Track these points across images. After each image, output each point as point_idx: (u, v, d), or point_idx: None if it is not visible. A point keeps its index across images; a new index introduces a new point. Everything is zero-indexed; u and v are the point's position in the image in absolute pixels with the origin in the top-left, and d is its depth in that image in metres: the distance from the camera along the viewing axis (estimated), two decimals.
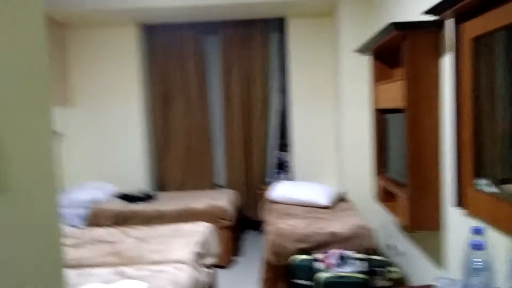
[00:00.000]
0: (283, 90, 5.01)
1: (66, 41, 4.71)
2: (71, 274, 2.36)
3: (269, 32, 4.90)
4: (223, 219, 3.90)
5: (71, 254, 2.68)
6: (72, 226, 3.87)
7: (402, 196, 2.51)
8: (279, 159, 5.06)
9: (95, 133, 4.80)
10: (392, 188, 2.73)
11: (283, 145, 5.09)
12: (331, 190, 3.89)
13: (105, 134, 4.81)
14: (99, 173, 4.80)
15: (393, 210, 2.79)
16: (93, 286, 2.06)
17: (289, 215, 3.45)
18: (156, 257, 2.57)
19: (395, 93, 2.57)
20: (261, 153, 4.91)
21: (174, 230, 3.08)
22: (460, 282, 0.98)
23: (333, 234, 2.96)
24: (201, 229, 3.05)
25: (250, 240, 4.68)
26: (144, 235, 3.01)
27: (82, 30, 4.70)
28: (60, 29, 4.58)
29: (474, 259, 0.93)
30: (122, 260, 2.55)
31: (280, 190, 3.92)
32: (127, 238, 2.97)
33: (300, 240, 2.95)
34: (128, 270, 2.37)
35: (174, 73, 4.95)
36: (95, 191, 4.27)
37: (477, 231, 1.05)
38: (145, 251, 2.68)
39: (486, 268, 0.91)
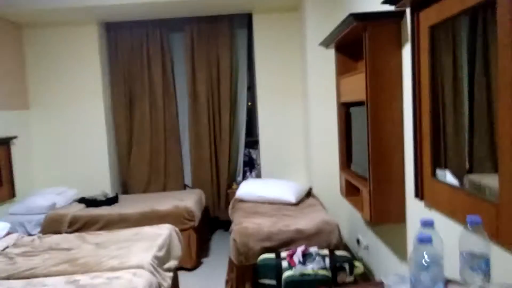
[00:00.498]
0: (251, 87, 4.94)
1: (23, 41, 4.48)
2: (20, 285, 2.21)
3: (236, 28, 4.81)
4: (189, 220, 3.78)
5: (22, 264, 2.51)
6: (28, 234, 3.67)
7: (365, 189, 2.47)
8: (248, 157, 4.99)
9: (54, 136, 4.60)
10: (356, 182, 2.69)
11: (252, 143, 5.01)
12: (299, 187, 3.84)
13: (66, 136, 4.61)
14: (60, 177, 4.60)
15: (357, 204, 2.76)
16: None
17: (256, 213, 3.38)
18: (113, 263, 2.44)
19: (357, 85, 2.53)
20: (229, 151, 4.82)
21: (135, 234, 2.95)
22: (409, 278, 0.92)
23: (299, 231, 2.91)
24: (163, 232, 2.94)
25: (218, 240, 4.59)
26: (102, 240, 2.87)
27: (39, 29, 4.49)
28: (15, 29, 4.35)
29: (423, 254, 0.87)
30: (77, 268, 2.41)
31: (247, 188, 3.85)
32: (84, 244, 2.82)
33: (266, 238, 2.88)
34: (83, 278, 2.23)
35: (138, 72, 4.79)
36: (53, 197, 4.07)
37: (427, 224, 1.00)
38: (103, 258, 2.54)
39: (434, 263, 0.86)
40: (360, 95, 2.45)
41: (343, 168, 3.09)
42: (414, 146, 2.02)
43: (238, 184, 4.70)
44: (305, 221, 3.03)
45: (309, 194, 3.92)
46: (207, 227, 4.59)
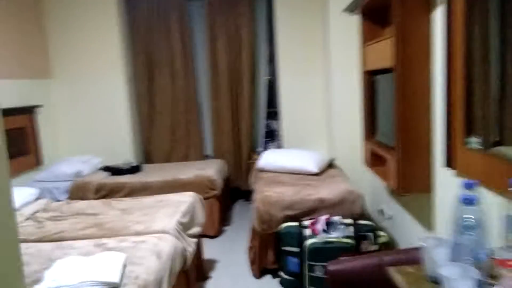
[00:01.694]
0: (272, 57, 4.85)
1: (43, 10, 4.47)
2: (50, 248, 2.28)
3: None
4: (211, 189, 3.82)
5: (51, 227, 2.59)
6: (56, 200, 3.77)
7: (391, 159, 2.43)
8: (268, 127, 4.96)
9: (77, 105, 4.65)
10: (381, 152, 2.64)
11: (272, 114, 4.97)
12: (320, 157, 3.81)
13: (88, 106, 4.66)
14: (84, 146, 4.68)
15: (382, 174, 2.71)
16: (71, 259, 1.97)
17: (277, 183, 3.38)
18: (139, 228, 2.49)
19: (384, 52, 2.44)
20: (250, 122, 4.80)
21: (159, 201, 2.99)
22: (449, 241, 0.89)
23: (321, 200, 2.90)
24: (187, 199, 2.97)
25: (239, 210, 4.64)
26: (127, 206, 2.93)
27: None
28: None
29: (465, 216, 0.84)
30: (103, 232, 2.47)
31: (268, 158, 3.84)
32: (110, 210, 2.89)
33: (288, 207, 2.88)
34: (109, 242, 2.29)
35: (158, 42, 4.75)
36: (79, 164, 4.16)
37: (469, 186, 0.96)
38: (128, 223, 2.59)
39: (478, 225, 0.83)
40: (387, 62, 2.37)
41: (367, 138, 3.03)
42: (446, 114, 1.95)
43: (259, 154, 4.70)
44: (328, 191, 3.01)
45: (331, 165, 3.89)
46: (228, 197, 4.64)
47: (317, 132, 4.51)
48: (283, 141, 4.58)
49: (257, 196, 3.06)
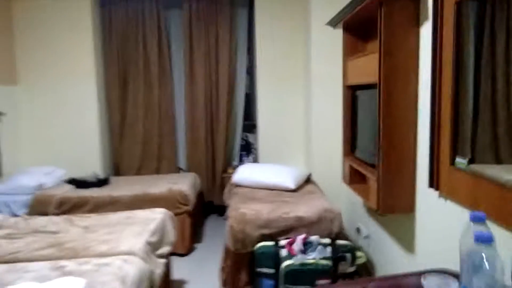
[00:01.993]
0: (251, 68, 4.74)
1: (12, 13, 4.22)
2: (1, 270, 2.05)
3: (237, 7, 4.59)
4: (183, 204, 3.63)
5: (4, 247, 2.35)
6: (13, 215, 3.50)
7: (372, 177, 2.34)
8: (245, 140, 4.83)
9: (44, 113, 4.39)
10: (362, 170, 2.56)
11: (249, 126, 4.85)
12: (298, 172, 3.70)
13: (55, 114, 4.40)
14: (49, 157, 4.41)
15: (362, 192, 2.63)
16: (23, 285, 1.76)
17: (253, 199, 3.24)
18: (103, 248, 2.29)
19: (368, 67, 2.37)
20: (226, 134, 4.65)
21: (126, 217, 2.79)
22: (457, 282, 0.78)
23: (299, 219, 2.77)
24: (156, 216, 2.78)
25: (212, 225, 4.46)
26: (91, 223, 2.71)
27: (30, 1, 4.23)
28: (4, 0, 4.11)
29: (478, 254, 0.73)
30: (63, 253, 2.25)
31: (244, 173, 3.70)
32: (71, 227, 2.66)
33: (264, 225, 2.74)
34: (69, 264, 2.08)
35: (133, 50, 4.57)
36: (41, 176, 3.89)
37: (478, 219, 0.86)
38: (91, 242, 2.39)
39: (492, 266, 0.72)
40: (371, 77, 2.30)
41: (347, 154, 2.95)
42: (430, 132, 1.87)
43: (234, 168, 4.56)
44: (306, 208, 2.89)
45: (308, 180, 3.78)
46: (201, 212, 4.45)
47: (295, 146, 4.41)
48: (260, 155, 4.45)
49: (231, 213, 2.91)
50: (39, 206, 3.53)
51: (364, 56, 2.47)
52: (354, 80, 2.75)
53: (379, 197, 2.22)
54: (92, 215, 2.95)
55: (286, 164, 4.22)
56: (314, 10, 3.72)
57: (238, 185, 3.69)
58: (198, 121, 4.63)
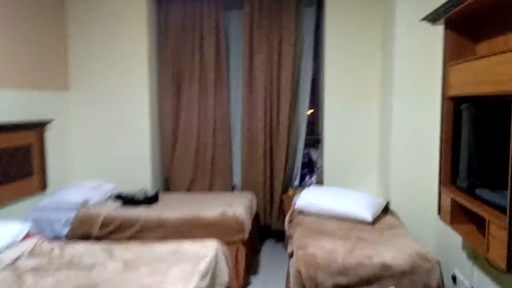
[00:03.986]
0: (316, 75, 4.20)
1: (65, 16, 4.01)
2: None
3: (303, 6, 4.08)
4: (237, 231, 3.16)
5: (30, 285, 1.98)
6: (55, 235, 3.21)
7: (497, 222, 1.71)
8: (308, 157, 4.28)
9: (94, 121, 4.12)
10: (477, 209, 1.92)
11: (312, 142, 4.30)
12: (374, 200, 3.10)
13: (107, 122, 4.11)
14: (97, 168, 4.13)
15: (475, 239, 1.99)
16: None
17: (322, 232, 2.68)
18: None
19: (490, 72, 1.76)
20: (287, 149, 4.13)
21: (174, 251, 2.36)
22: None
23: (385, 267, 2.18)
24: (208, 252, 2.32)
25: (270, 254, 3.94)
26: (133, 257, 2.30)
27: (83, 4, 4.00)
28: (58, 3, 3.90)
29: None
30: None
31: (309, 198, 3.15)
32: (111, 261, 2.27)
33: (340, 273, 2.18)
34: None
35: (189, 54, 4.20)
36: (87, 191, 3.59)
37: None
38: (131, 284, 1.96)
39: None
40: (498, 86, 1.69)
41: (447, 184, 2.32)
42: None
43: (295, 189, 4.03)
44: (392, 252, 2.29)
45: (385, 210, 3.16)
46: (256, 238, 3.95)
47: (367, 167, 3.79)
48: (325, 175, 3.88)
49: (298, 254, 2.37)
50: (82, 226, 3.23)
51: (484, 59, 1.86)
52: (460, 90, 2.13)
53: (511, 252, 1.60)
54: (135, 245, 2.55)
55: (355, 188, 3.63)
56: (401, 5, 3.12)
57: (302, 212, 3.15)
58: (256, 133, 4.16)
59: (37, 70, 3.59)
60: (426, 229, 3.00)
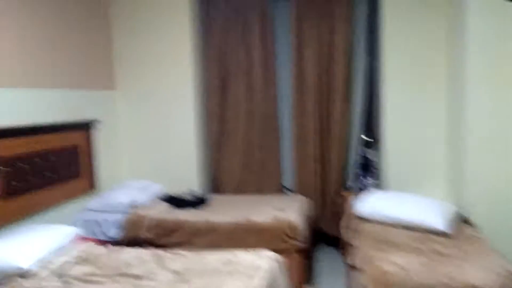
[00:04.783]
0: (372, 69, 3.88)
1: (110, 14, 3.95)
2: None
3: None
4: (291, 238, 2.93)
5: None
6: (105, 236, 3.13)
7: None
8: (365, 158, 3.96)
9: (141, 120, 4.05)
10: None
11: (370, 141, 3.98)
12: (447, 208, 2.76)
13: (153, 122, 4.03)
14: (144, 169, 4.07)
15: None
16: None
17: (390, 244, 2.40)
18: None
19: None
20: (341, 149, 3.85)
21: (227, 262, 2.17)
22: None
23: None
24: (263, 264, 2.12)
25: (325, 260, 3.68)
26: (184, 267, 2.13)
27: (127, 2, 3.92)
28: (102, 1, 3.84)
29: None
30: None
31: (373, 204, 2.86)
32: (160, 270, 2.11)
33: None
34: None
35: (234, 49, 4.01)
36: (135, 192, 3.50)
37: None
38: None
39: None
40: None
41: None
42: None
43: (350, 190, 3.75)
44: (477, 270, 1.97)
45: (460, 219, 2.81)
46: (310, 243, 3.70)
47: (432, 169, 3.44)
48: (385, 178, 3.56)
49: (365, 268, 2.10)
50: (131, 229, 3.13)
51: None
52: None
53: None
54: (186, 252, 2.38)
55: (419, 193, 3.28)
56: None
57: (363, 218, 2.86)
58: (307, 132, 3.90)
59: (84, 70, 3.54)
60: (510, 244, 2.62)
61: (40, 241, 2.22)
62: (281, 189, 4.05)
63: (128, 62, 3.98)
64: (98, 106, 3.74)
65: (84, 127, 3.47)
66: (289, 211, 3.16)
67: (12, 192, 2.56)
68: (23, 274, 1.97)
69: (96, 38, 3.74)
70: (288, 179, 4.08)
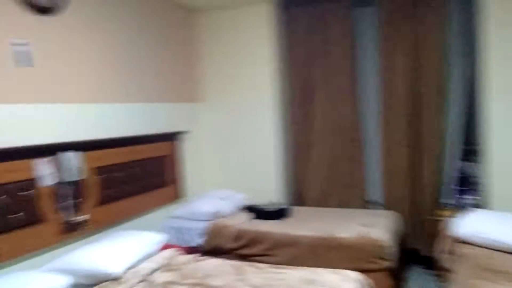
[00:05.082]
0: (471, 76, 3.51)
1: (195, 29, 4.10)
2: None
3: None
4: (379, 258, 2.72)
5: None
6: (189, 244, 3.22)
7: None
8: (462, 172, 3.58)
9: (225, 131, 4.14)
10: None
11: (469, 153, 3.59)
12: None
13: (235, 133, 4.10)
14: (227, 179, 4.13)
15: None
16: None
17: (495, 271, 2.09)
18: None
19: None
20: (435, 162, 3.52)
21: (309, 281, 2.06)
22: None
23: None
24: (350, 286, 1.96)
25: (416, 283, 3.36)
26: (265, 283, 2.07)
27: (209, 13, 4.06)
28: (188, 15, 4.00)
29: None
30: None
31: (472, 224, 2.55)
32: (241, 283, 2.08)
33: None
34: None
35: (317, 58, 3.92)
36: (219, 202, 3.55)
37: None
38: None
39: None
40: None
41: None
42: None
43: (447, 208, 3.40)
44: None
45: None
46: (400, 264, 3.42)
47: None
48: (487, 195, 3.17)
49: None
50: (215, 238, 3.18)
51: None
52: None
53: None
54: (267, 266, 2.33)
55: None
56: None
57: (462, 241, 2.56)
58: (396, 143, 3.65)
59: (171, 84, 3.72)
60: None
61: (131, 248, 2.32)
62: (365, 203, 3.83)
63: (214, 75, 4.10)
64: (185, 118, 3.89)
65: (172, 138, 3.62)
66: (377, 227, 2.96)
67: (106, 199, 2.75)
68: (114, 280, 2.07)
69: (183, 53, 3.91)
70: (373, 193, 3.85)
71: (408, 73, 3.57)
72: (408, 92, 3.59)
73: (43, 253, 2.28)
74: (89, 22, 2.76)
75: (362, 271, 2.43)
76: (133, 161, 3.08)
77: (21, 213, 2.15)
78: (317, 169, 3.98)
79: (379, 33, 3.66)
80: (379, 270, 2.74)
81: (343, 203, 3.86)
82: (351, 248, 2.78)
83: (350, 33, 3.78)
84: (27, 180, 2.20)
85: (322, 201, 3.95)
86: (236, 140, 4.08)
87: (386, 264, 2.73)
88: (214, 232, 3.21)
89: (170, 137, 3.59)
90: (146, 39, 3.37)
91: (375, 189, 3.83)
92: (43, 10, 2.39)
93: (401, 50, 3.58)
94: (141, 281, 2.13)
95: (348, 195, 3.89)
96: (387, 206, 3.65)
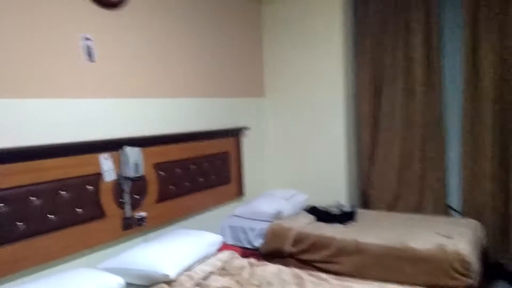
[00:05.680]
0: None
1: (259, 23, 3.96)
2: None
3: None
4: (461, 274, 2.39)
5: None
6: (249, 244, 3.11)
7: None
8: None
9: (289, 127, 3.96)
10: None
11: None
12: None
13: (298, 129, 3.91)
14: (291, 177, 3.95)
15: None
16: None
17: None
18: None
19: None
20: None
21: None
22: None
23: None
24: None
25: None
26: None
27: (275, 3, 3.88)
28: (252, 4, 3.87)
29: None
30: None
31: None
32: None
33: None
34: None
35: (391, 50, 3.62)
36: (281, 202, 3.39)
37: None
38: None
39: None
40: None
41: None
42: None
43: None
44: None
45: None
46: (483, 280, 3.03)
47: None
48: None
49: None
50: (274, 240, 3.02)
51: None
52: None
53: None
54: (330, 279, 2.13)
55: None
56: None
57: None
58: (482, 144, 3.25)
59: (236, 79, 3.61)
60: None
61: (188, 249, 2.25)
62: (445, 210, 3.45)
63: (277, 69, 3.94)
64: (248, 113, 3.77)
65: (235, 133, 3.52)
66: (459, 238, 2.61)
67: (165, 196, 2.70)
68: (169, 282, 2.00)
69: (247, 47, 3.79)
70: (454, 198, 3.46)
71: (498, 64, 3.15)
72: (497, 85, 3.16)
73: (101, 249, 2.28)
74: (151, 15, 2.72)
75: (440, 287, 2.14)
76: (193, 158, 3.01)
77: (85, 208, 2.16)
78: (389, 169, 3.68)
79: (464, 20, 3.25)
80: (460, 287, 2.41)
81: (418, 209, 3.53)
82: (428, 261, 2.47)
83: (431, 21, 3.42)
84: (90, 175, 2.21)
85: (394, 205, 3.64)
86: (300, 137, 3.89)
87: (467, 281, 2.39)
88: (275, 235, 3.05)
89: (232, 133, 3.49)
90: (210, 32, 3.28)
91: (452, 194, 3.44)
92: (110, 4, 2.38)
93: (488, 40, 3.16)
94: (196, 285, 2.04)
95: (424, 200, 3.56)
96: (469, 214, 3.25)
